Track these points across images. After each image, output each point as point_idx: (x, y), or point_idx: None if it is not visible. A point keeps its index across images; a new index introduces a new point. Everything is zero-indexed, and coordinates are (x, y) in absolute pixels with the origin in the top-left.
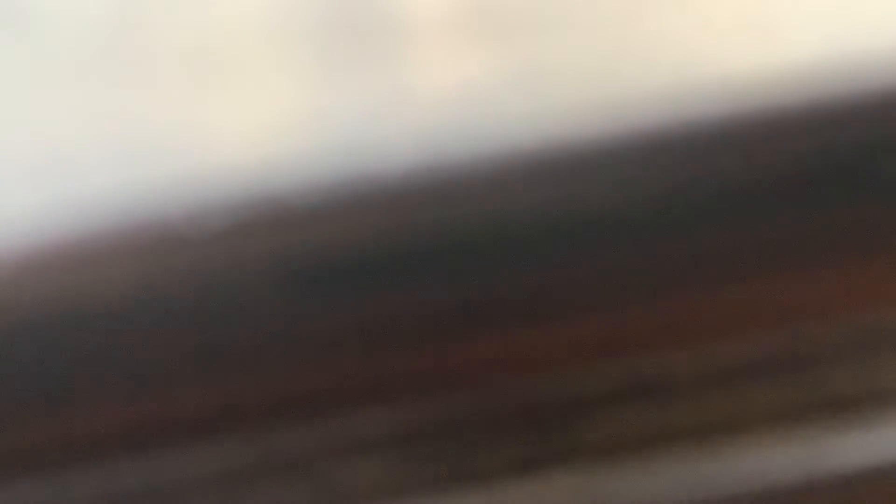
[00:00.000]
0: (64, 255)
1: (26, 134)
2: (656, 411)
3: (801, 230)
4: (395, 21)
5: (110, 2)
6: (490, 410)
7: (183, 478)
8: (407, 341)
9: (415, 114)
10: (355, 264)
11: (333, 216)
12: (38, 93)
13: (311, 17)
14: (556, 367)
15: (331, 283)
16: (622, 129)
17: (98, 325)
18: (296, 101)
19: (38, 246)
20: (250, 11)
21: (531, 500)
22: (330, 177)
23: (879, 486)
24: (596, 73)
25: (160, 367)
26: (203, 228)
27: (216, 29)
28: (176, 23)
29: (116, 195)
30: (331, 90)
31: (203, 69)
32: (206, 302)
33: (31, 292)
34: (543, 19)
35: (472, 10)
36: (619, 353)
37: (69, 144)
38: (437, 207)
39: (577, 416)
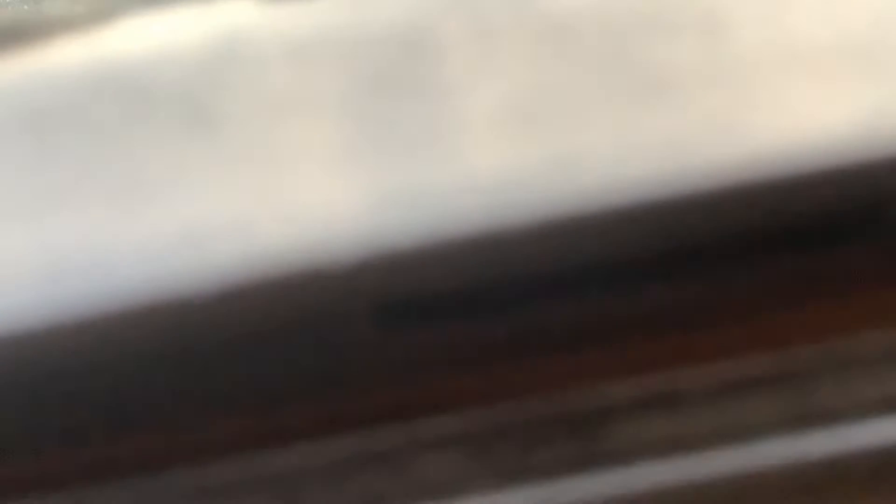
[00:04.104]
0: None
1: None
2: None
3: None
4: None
5: None
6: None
7: (290, 471)
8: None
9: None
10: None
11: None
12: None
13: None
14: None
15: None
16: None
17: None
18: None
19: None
20: (301, 83)
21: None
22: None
23: None
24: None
25: (268, 383)
26: None
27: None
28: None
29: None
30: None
31: (257, 143)
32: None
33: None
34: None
35: None
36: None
37: None
38: (502, 256)
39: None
